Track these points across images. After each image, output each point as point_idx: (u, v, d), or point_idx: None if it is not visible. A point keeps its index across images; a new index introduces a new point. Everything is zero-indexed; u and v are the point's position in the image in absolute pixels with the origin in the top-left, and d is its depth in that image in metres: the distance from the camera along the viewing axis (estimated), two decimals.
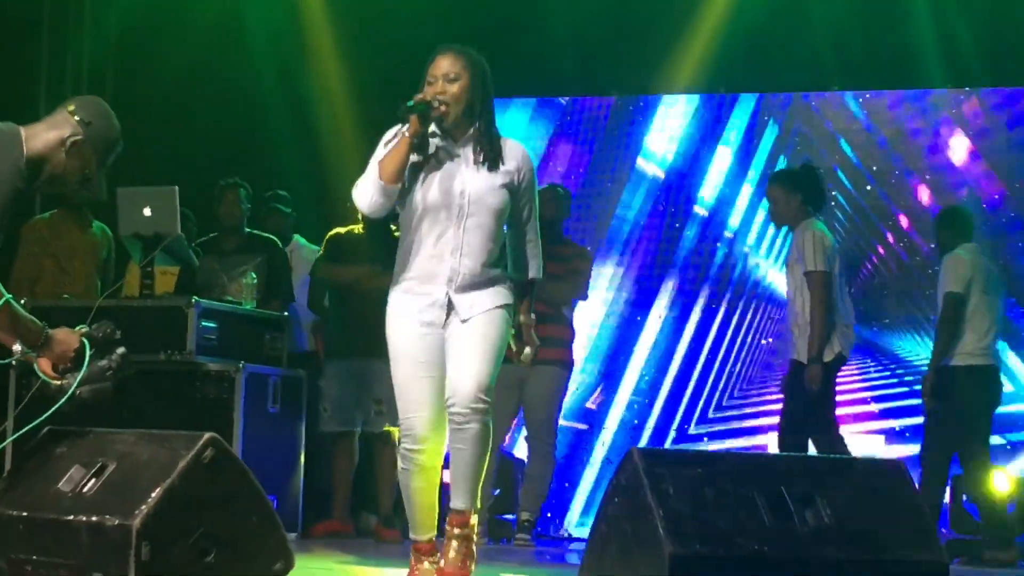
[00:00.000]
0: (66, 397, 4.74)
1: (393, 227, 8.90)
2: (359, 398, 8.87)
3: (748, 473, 4.18)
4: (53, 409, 4.70)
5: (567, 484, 10.52)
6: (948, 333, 8.53)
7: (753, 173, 10.58)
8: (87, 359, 4.79)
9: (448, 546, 5.33)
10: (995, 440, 9.65)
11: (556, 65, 10.80)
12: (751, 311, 10.53)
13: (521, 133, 10.72)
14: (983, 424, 8.70)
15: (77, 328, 4.88)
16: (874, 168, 10.39)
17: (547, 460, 8.99)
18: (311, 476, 8.77)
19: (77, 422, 4.94)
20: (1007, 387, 9.59)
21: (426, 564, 5.42)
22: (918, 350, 10.13)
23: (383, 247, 8.84)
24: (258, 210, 9.56)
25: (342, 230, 9.14)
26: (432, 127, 5.38)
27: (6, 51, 9.69)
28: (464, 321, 5.38)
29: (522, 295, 5.64)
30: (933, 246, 9.40)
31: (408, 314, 5.52)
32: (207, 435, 4.43)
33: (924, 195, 10.26)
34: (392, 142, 5.39)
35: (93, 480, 4.47)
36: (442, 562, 5.32)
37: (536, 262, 5.62)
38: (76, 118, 4.80)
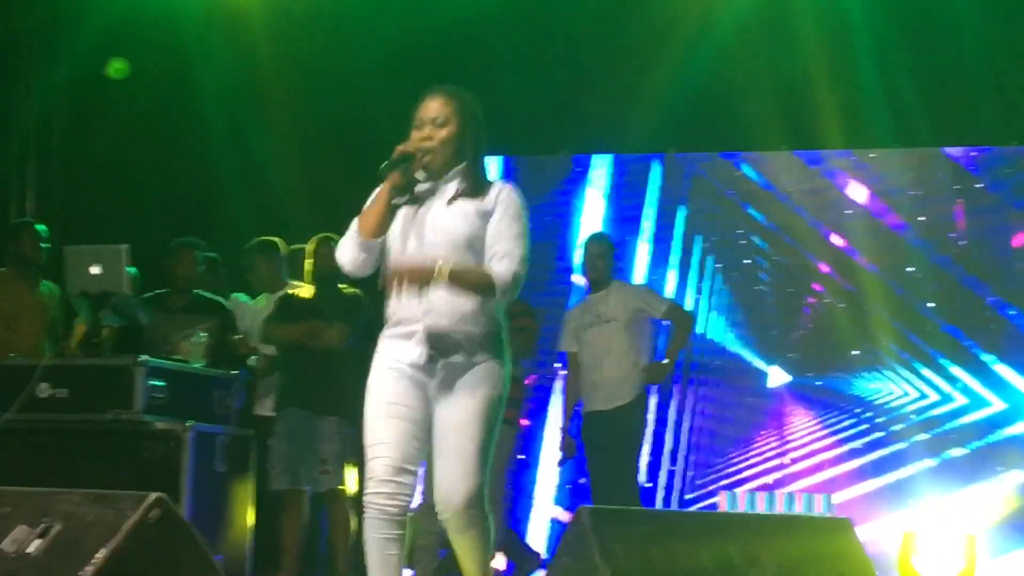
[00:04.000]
0: None
1: (342, 286, 8.96)
2: (307, 456, 8.88)
3: (695, 531, 4.21)
4: None
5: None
6: None
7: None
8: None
9: None
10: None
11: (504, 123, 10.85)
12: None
13: None
14: None
15: None
16: (784, 224, 10.51)
17: (496, 517, 8.98)
18: (262, 534, 8.75)
19: (22, 482, 4.95)
20: (996, 404, 9.94)
21: None
22: (876, 386, 10.21)
23: (332, 305, 8.90)
24: (243, 259, 9.59)
25: (291, 291, 9.18)
26: (418, 173, 5.21)
27: None
28: (447, 388, 5.07)
29: (476, 277, 5.07)
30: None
31: (386, 357, 5.18)
32: (154, 495, 4.43)
33: (838, 240, 10.40)
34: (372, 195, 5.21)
35: (38, 541, 4.46)
36: None
37: (505, 263, 5.07)
38: None
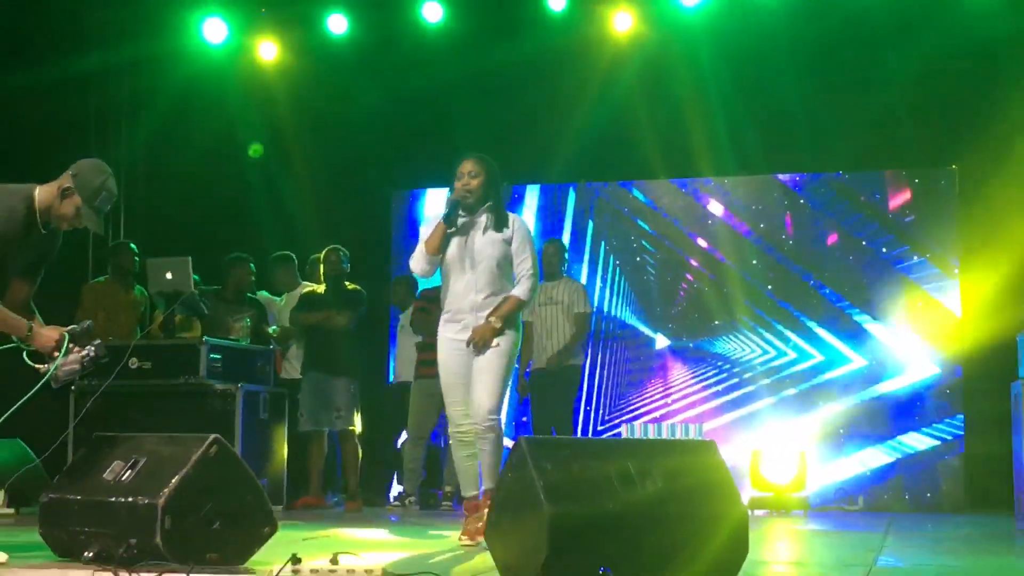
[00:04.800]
0: (45, 378, 4.72)
1: (345, 283, 8.93)
2: (325, 406, 8.84)
3: (604, 452, 4.21)
4: (36, 388, 4.68)
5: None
6: None
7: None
8: (65, 349, 4.75)
9: (480, 516, 5.56)
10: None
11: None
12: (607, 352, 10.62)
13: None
14: None
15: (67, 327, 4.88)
16: (664, 232, 10.54)
17: None
18: (292, 465, 8.73)
19: (117, 430, 4.91)
20: (817, 356, 9.91)
21: (470, 518, 5.74)
22: (732, 346, 10.24)
23: (340, 298, 8.86)
24: (267, 267, 9.53)
25: (308, 288, 9.15)
26: (460, 211, 5.86)
27: (61, 145, 9.70)
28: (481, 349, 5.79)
29: (506, 303, 5.84)
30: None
31: (446, 337, 5.92)
32: (213, 436, 4.41)
33: (703, 242, 10.42)
34: (431, 226, 5.88)
35: (129, 471, 4.44)
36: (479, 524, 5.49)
37: (523, 286, 5.86)
38: (70, 173, 4.82)
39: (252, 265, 9.11)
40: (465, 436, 5.86)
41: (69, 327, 4.87)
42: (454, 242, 5.83)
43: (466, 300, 5.83)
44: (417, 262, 5.90)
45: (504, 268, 5.85)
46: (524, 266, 5.87)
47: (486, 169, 5.85)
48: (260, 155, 10.79)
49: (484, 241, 5.81)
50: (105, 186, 4.85)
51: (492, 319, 5.77)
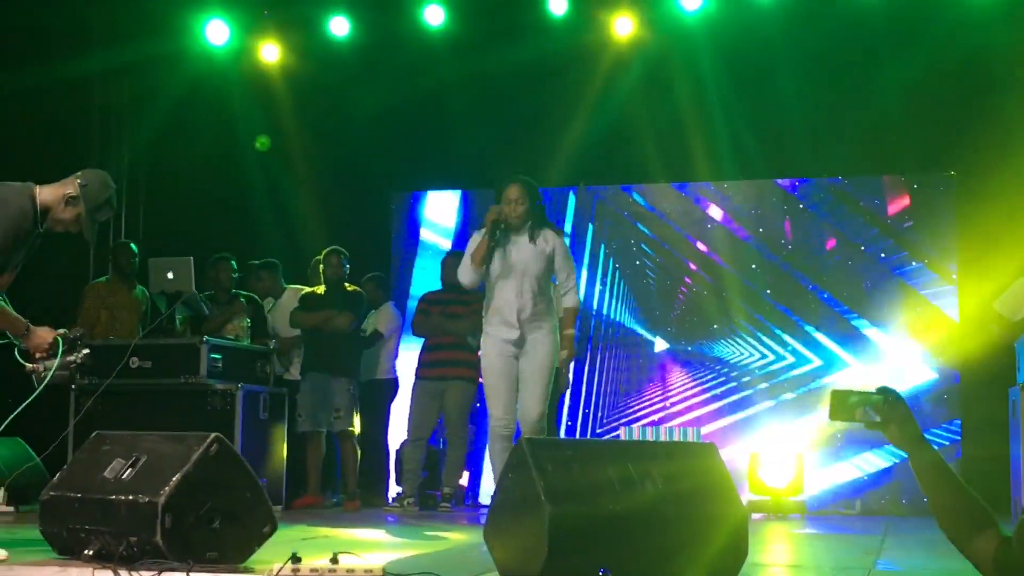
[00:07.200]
0: (42, 385, 4.71)
1: (346, 284, 8.92)
2: (324, 406, 8.83)
3: (604, 453, 4.19)
4: (35, 395, 4.67)
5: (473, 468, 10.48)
6: None
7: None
8: (60, 352, 4.74)
9: None
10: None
11: (462, 165, 10.82)
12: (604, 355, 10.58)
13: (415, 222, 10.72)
14: None
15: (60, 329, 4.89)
16: (663, 236, 10.50)
17: (461, 449, 8.98)
18: (292, 464, 8.70)
19: (119, 428, 4.89)
20: (815, 361, 9.91)
21: None
22: (731, 350, 10.21)
23: (340, 299, 8.86)
24: (246, 274, 9.52)
25: (310, 290, 9.14)
26: (504, 227, 6.50)
27: (65, 145, 9.68)
28: (527, 352, 6.43)
29: (565, 317, 6.60)
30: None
31: (495, 343, 6.50)
32: (213, 435, 4.38)
33: (702, 246, 10.40)
34: (478, 239, 6.49)
35: (130, 469, 4.41)
36: None
37: (571, 296, 6.60)
38: (78, 181, 4.81)
39: (233, 262, 9.10)
40: (504, 429, 6.45)
41: (61, 331, 4.87)
42: (498, 255, 6.44)
43: (515, 307, 6.41)
44: (465, 274, 6.55)
45: (545, 277, 6.50)
46: (570, 279, 6.60)
47: (529, 194, 6.48)
48: (268, 148, 10.75)
49: (528, 255, 6.43)
50: (109, 201, 4.93)
51: (567, 332, 6.52)
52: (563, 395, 9.38)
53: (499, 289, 6.46)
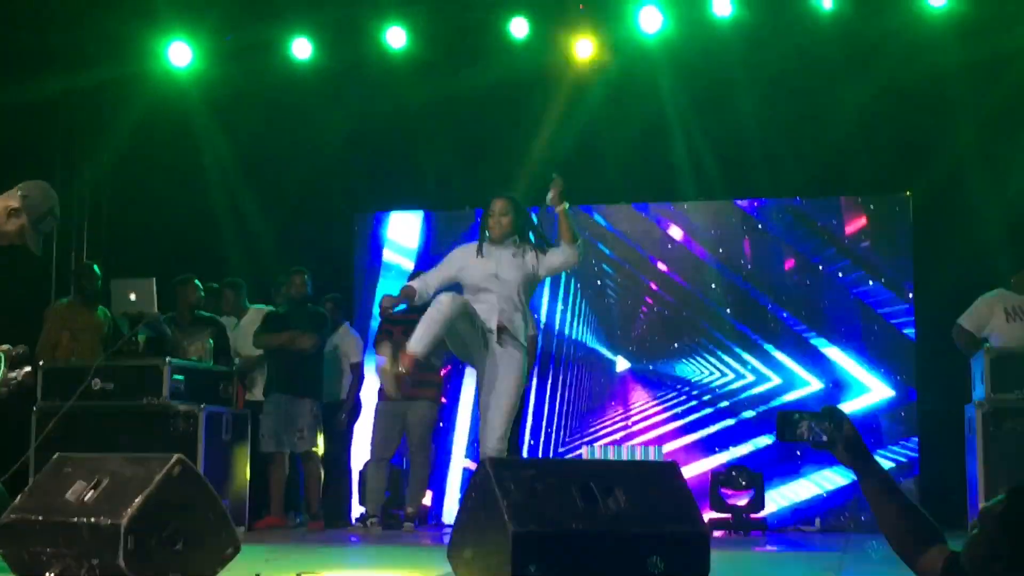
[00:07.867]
0: None
1: (308, 305, 8.90)
2: (288, 427, 8.80)
3: (566, 472, 4.21)
4: None
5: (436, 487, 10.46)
6: None
7: None
8: (1, 369, 4.72)
9: None
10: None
11: (425, 188, 10.82)
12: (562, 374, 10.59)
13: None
14: None
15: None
16: (624, 256, 10.53)
17: (424, 469, 8.95)
18: (255, 485, 8.66)
19: (80, 450, 4.86)
20: (774, 379, 9.96)
21: None
22: (691, 369, 10.24)
23: (303, 320, 8.84)
24: (210, 294, 9.46)
25: (273, 309, 9.12)
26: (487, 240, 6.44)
27: (26, 166, 9.62)
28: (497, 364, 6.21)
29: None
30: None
31: None
32: (176, 456, 4.36)
33: (662, 266, 10.45)
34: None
35: (92, 491, 4.38)
36: None
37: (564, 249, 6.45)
38: (19, 192, 4.81)
39: (197, 282, 9.05)
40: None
41: (5, 347, 4.84)
42: (481, 266, 6.36)
43: (492, 319, 6.28)
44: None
45: (524, 292, 6.40)
46: (551, 257, 6.45)
47: (513, 208, 6.47)
48: None
49: (508, 268, 6.35)
50: (52, 211, 4.91)
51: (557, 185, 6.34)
52: (525, 415, 9.35)
53: (476, 303, 6.31)
